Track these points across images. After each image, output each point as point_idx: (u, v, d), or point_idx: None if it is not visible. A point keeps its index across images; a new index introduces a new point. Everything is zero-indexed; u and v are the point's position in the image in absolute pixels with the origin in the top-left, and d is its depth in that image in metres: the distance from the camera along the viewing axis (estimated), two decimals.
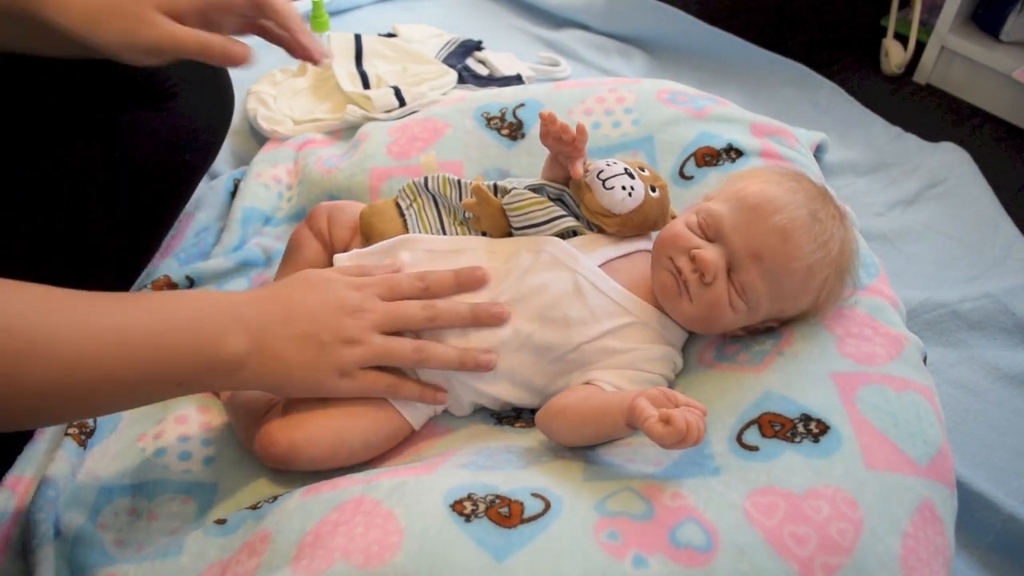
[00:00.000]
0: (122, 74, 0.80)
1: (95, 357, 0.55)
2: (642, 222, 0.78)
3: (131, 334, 0.58)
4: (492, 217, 0.80)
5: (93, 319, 0.57)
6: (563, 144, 0.76)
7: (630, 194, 0.75)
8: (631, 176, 0.76)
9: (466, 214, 0.82)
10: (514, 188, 0.79)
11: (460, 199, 0.82)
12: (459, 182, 0.82)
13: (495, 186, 0.81)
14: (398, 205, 0.84)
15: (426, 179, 0.83)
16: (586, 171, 0.77)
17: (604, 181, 0.75)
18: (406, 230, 0.83)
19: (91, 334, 0.56)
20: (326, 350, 0.67)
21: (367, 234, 0.84)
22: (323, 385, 0.68)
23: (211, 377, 0.63)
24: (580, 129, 0.75)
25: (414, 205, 0.84)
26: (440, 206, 0.83)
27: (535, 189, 0.81)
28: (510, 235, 0.81)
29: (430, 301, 0.73)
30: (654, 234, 0.80)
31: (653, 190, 0.78)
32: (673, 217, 0.82)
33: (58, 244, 0.79)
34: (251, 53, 0.67)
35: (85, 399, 0.57)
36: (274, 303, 0.66)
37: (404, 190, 0.84)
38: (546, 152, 0.97)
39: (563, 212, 0.79)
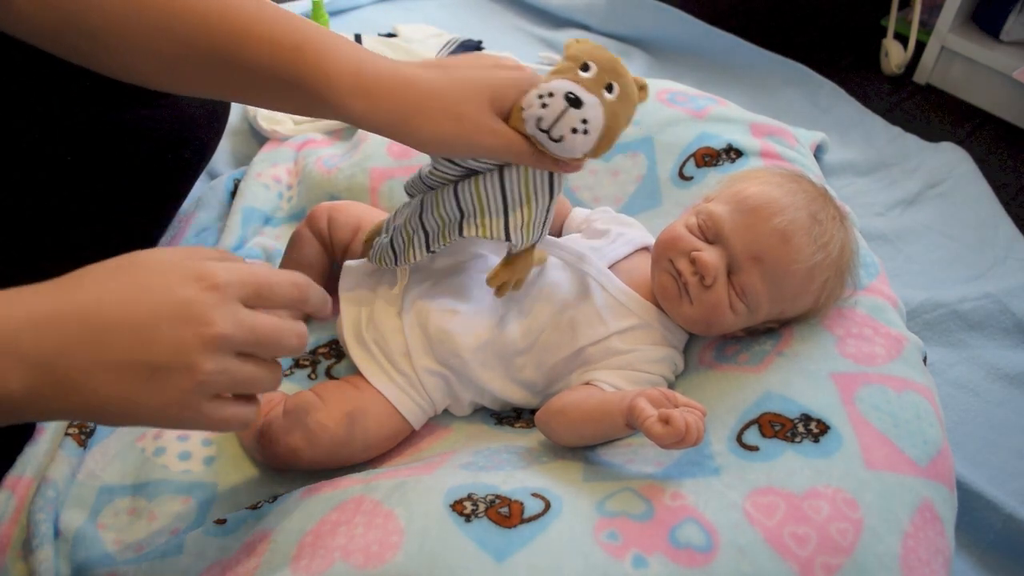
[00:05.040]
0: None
1: None
2: (613, 136, 0.64)
3: None
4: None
5: None
6: None
7: (586, 131, 0.61)
8: (575, 103, 0.60)
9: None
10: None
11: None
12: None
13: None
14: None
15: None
16: (526, 121, 0.61)
17: (550, 133, 0.61)
18: None
19: None
20: (157, 379, 0.46)
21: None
22: (157, 422, 0.50)
23: None
24: None
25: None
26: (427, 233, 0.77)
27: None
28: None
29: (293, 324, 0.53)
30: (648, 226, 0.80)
31: (609, 89, 0.63)
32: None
33: (53, 243, 0.78)
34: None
35: None
36: (75, 320, 0.46)
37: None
38: None
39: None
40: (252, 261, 0.88)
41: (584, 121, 0.60)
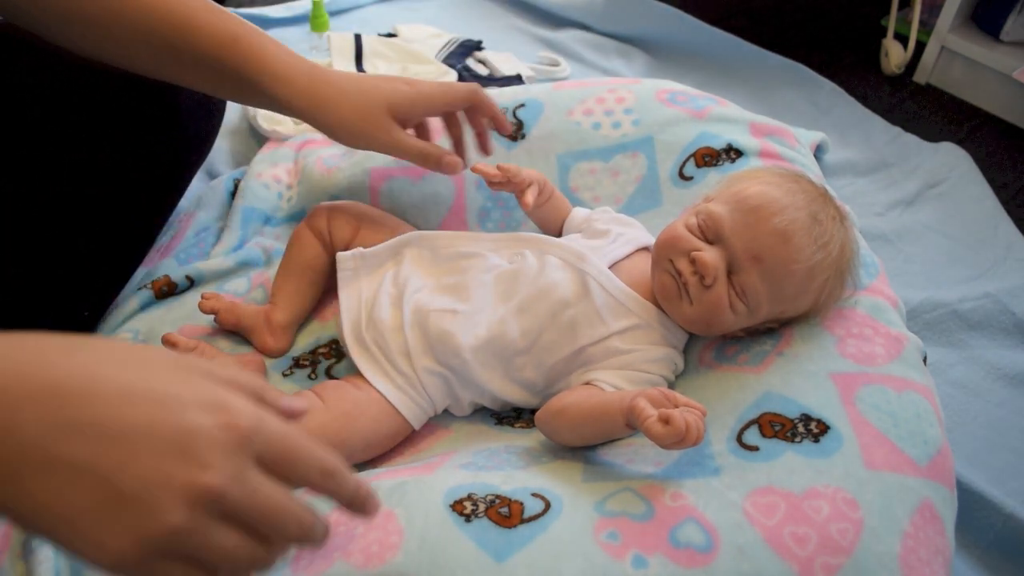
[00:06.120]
0: (111, 74, 0.80)
1: None
2: None
3: None
4: None
5: None
6: (506, 186, 0.81)
7: None
8: None
9: None
10: None
11: None
12: None
13: None
14: None
15: None
16: None
17: None
18: None
19: None
20: (111, 508, 0.34)
21: None
22: (86, 556, 0.34)
23: None
24: (503, 168, 0.79)
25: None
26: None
27: None
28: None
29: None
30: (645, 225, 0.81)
31: None
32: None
33: (50, 243, 0.78)
34: (461, 164, 0.80)
35: None
36: (43, 391, 0.35)
37: None
38: (545, 152, 0.97)
39: None
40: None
41: None
